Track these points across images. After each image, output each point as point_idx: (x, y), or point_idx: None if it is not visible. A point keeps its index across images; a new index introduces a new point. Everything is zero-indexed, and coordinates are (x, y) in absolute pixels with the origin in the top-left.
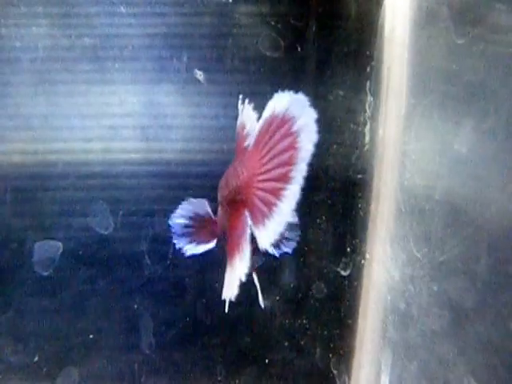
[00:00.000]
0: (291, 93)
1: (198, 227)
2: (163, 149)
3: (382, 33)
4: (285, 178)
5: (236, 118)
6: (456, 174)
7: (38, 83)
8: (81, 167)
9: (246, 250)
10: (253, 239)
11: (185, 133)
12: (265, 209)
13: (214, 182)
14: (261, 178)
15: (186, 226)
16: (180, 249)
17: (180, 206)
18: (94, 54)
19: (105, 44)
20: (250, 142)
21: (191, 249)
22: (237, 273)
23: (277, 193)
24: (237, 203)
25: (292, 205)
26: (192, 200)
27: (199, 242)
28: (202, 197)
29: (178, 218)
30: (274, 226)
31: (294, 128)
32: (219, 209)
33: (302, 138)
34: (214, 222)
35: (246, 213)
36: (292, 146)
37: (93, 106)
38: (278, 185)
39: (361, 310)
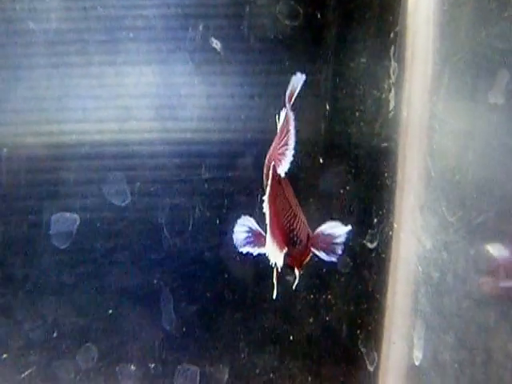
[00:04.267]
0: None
1: (256, 238)
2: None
3: None
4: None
5: (252, 96)
6: (491, 131)
7: (52, 65)
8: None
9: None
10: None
11: (201, 112)
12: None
13: (232, 160)
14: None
15: (247, 238)
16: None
17: (238, 221)
18: (106, 28)
19: (117, 14)
20: None
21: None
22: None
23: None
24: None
25: None
26: (244, 217)
27: (256, 246)
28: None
29: (239, 232)
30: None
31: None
32: None
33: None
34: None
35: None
36: (287, 130)
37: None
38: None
39: (390, 283)
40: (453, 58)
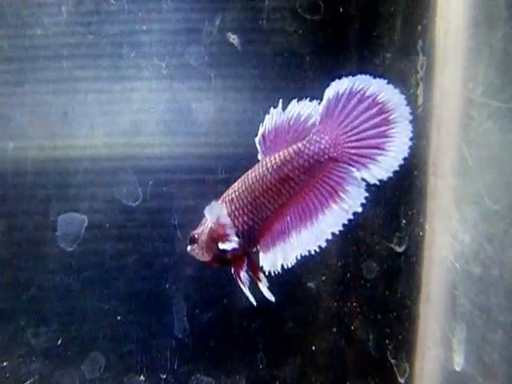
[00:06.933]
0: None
1: None
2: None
3: None
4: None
5: (272, 91)
6: None
7: (59, 80)
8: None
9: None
10: None
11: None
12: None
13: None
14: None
15: None
16: None
17: None
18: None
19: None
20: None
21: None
22: None
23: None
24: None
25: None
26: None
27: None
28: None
29: None
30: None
31: (388, 117)
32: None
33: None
34: None
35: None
36: (385, 135)
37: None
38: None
39: (422, 287)
40: (491, 39)
